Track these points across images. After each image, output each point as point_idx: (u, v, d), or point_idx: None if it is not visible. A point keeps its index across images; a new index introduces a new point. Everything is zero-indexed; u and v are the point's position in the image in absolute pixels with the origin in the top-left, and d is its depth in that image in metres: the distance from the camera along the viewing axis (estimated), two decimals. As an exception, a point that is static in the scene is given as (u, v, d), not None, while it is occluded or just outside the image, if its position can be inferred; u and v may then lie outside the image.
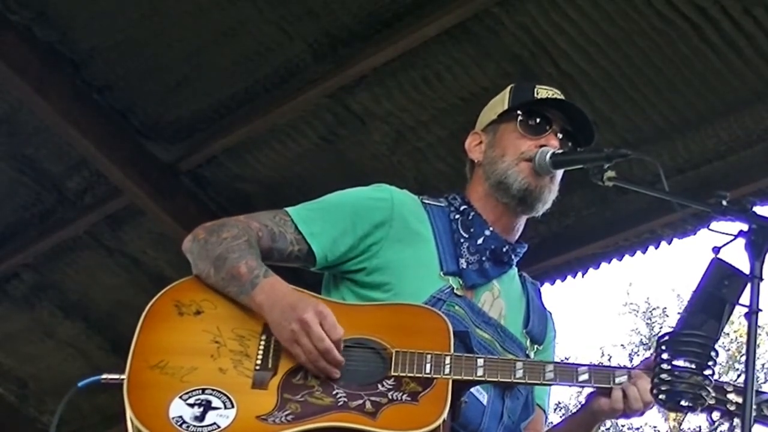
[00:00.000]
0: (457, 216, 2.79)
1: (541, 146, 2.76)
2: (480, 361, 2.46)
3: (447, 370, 2.42)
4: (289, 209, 2.72)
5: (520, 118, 2.83)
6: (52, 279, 6.32)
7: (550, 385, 2.58)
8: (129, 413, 2.36)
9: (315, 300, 2.51)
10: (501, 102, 2.91)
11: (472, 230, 2.76)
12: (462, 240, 2.75)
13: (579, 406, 2.77)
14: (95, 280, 6.28)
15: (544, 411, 2.85)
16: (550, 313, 2.94)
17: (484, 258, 2.74)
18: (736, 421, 2.38)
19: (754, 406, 2.22)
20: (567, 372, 2.49)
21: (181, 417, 2.34)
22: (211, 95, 5.23)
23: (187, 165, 5.55)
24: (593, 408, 2.61)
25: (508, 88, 2.93)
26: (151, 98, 5.31)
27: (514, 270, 2.88)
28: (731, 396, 2.41)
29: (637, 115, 4.90)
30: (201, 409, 2.35)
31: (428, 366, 2.42)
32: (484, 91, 4.86)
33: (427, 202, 2.82)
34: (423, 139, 5.21)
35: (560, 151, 2.76)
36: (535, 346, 2.81)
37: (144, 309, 2.56)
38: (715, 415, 2.40)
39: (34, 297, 6.46)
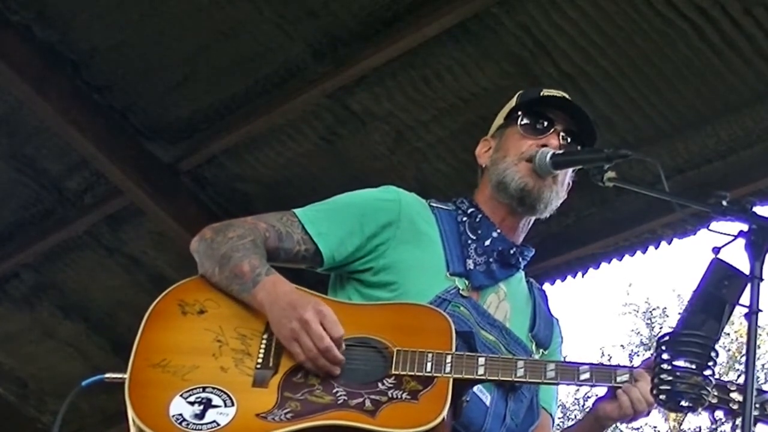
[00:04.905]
0: (464, 218, 2.80)
1: (542, 146, 2.77)
2: (481, 360, 2.46)
3: (448, 369, 2.42)
4: (296, 210, 2.73)
5: (522, 118, 2.84)
6: (52, 279, 6.32)
7: (551, 383, 2.57)
8: (130, 411, 2.37)
9: (315, 299, 2.51)
10: (509, 107, 2.93)
11: (479, 232, 2.76)
12: (469, 242, 2.75)
13: (575, 403, 2.76)
14: (95, 280, 6.28)
15: (551, 414, 2.85)
16: (557, 320, 2.93)
17: (491, 260, 2.74)
18: (738, 420, 2.38)
19: (756, 405, 2.23)
20: (568, 371, 2.49)
21: (181, 415, 2.35)
22: (211, 95, 5.23)
23: (187, 165, 5.55)
24: (599, 414, 2.61)
25: (517, 94, 2.95)
26: (151, 98, 5.30)
27: (521, 273, 2.89)
28: (734, 395, 2.41)
29: (637, 115, 4.90)
30: (201, 407, 2.36)
31: (429, 365, 2.43)
32: (484, 91, 4.87)
33: (434, 205, 2.84)
34: (423, 139, 5.21)
35: (560, 151, 2.76)
36: (541, 350, 2.81)
37: (144, 309, 2.57)
38: (718, 414, 2.40)
39: (34, 297, 6.46)
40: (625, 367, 2.58)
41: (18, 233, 6.08)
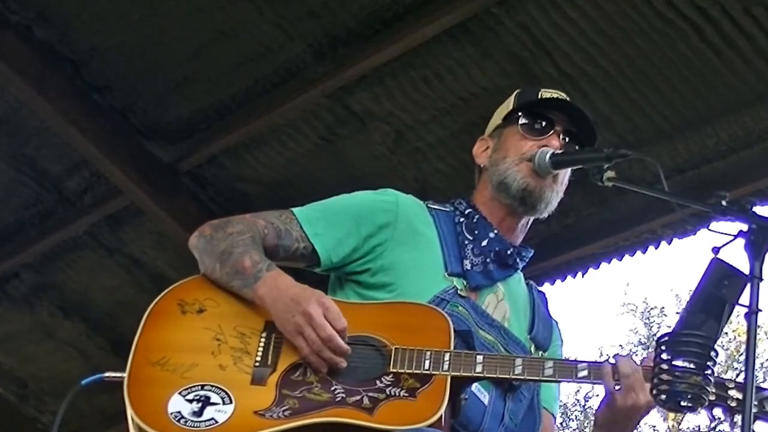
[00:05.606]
0: (461, 219, 2.80)
1: (543, 146, 2.77)
2: (479, 358, 2.46)
3: (446, 367, 2.42)
4: (294, 209, 2.74)
5: (521, 119, 2.84)
6: (52, 279, 6.33)
7: (549, 381, 2.57)
8: (129, 409, 2.38)
9: (318, 292, 2.52)
10: (506, 106, 2.92)
11: (476, 232, 2.76)
12: (466, 242, 2.75)
13: (576, 403, 2.76)
14: (95, 280, 6.28)
15: (553, 415, 2.84)
16: (556, 322, 2.93)
17: (488, 260, 2.74)
18: (737, 417, 2.38)
19: (755, 403, 2.23)
20: (566, 368, 2.49)
21: (179, 412, 2.36)
22: (211, 95, 5.23)
23: (187, 165, 5.55)
24: (601, 416, 2.60)
25: (514, 93, 2.95)
26: (151, 98, 5.31)
27: (520, 275, 2.89)
28: (732, 392, 2.41)
29: (637, 115, 4.90)
30: (199, 404, 2.37)
31: (427, 362, 2.43)
32: (484, 91, 4.87)
33: (432, 206, 2.84)
34: (423, 139, 5.21)
35: (560, 151, 2.76)
36: (540, 352, 2.80)
37: (144, 309, 2.58)
38: (717, 411, 2.40)
39: (34, 297, 6.46)
40: None
41: (18, 233, 6.08)
